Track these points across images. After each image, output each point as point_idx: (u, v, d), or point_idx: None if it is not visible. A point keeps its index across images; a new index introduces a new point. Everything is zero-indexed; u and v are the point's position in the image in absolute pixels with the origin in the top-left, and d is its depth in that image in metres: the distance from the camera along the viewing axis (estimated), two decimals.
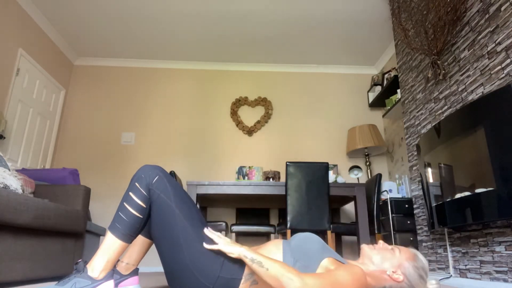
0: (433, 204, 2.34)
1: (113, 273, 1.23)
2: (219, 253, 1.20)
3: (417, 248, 3.01)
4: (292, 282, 1.01)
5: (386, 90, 3.98)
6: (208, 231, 1.21)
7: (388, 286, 1.21)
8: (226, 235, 3.65)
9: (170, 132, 4.34)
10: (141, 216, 1.22)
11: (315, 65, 4.65)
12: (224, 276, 1.16)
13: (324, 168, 2.94)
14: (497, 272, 1.91)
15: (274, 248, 1.25)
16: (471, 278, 2.12)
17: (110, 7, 3.60)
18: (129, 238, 1.21)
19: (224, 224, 3.27)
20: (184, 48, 4.32)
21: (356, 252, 3.88)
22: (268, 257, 1.12)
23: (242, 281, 1.17)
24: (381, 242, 1.29)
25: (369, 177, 4.12)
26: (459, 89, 2.31)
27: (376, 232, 2.98)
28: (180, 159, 4.24)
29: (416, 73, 2.90)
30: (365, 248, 1.27)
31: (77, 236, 2.38)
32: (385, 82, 4.08)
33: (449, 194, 2.17)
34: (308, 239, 1.24)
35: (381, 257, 1.22)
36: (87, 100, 4.42)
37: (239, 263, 1.20)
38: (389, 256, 1.22)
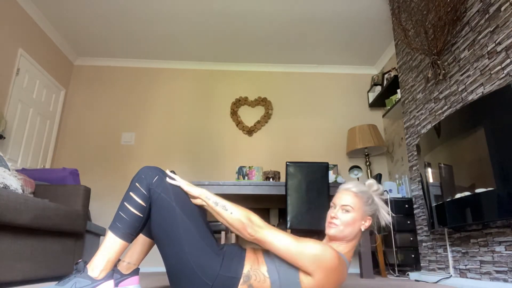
0: (433, 204, 2.34)
1: (114, 272, 1.23)
2: (218, 251, 1.20)
3: (417, 248, 3.01)
4: (252, 225, 1.13)
5: (386, 90, 3.98)
6: (168, 172, 1.28)
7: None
8: (226, 235, 3.65)
9: (170, 132, 4.34)
10: (142, 215, 1.22)
11: (315, 65, 4.65)
12: (223, 274, 1.16)
13: (324, 168, 2.94)
14: (497, 272, 1.91)
15: (255, 257, 1.26)
16: (471, 278, 2.13)
17: (110, 7, 3.60)
18: (129, 238, 1.21)
19: None
20: (184, 48, 4.32)
21: (355, 252, 3.88)
22: (228, 201, 1.20)
23: (241, 282, 1.17)
24: (331, 216, 1.30)
25: (369, 177, 4.12)
26: (459, 89, 2.31)
27: (376, 232, 2.98)
28: (180, 159, 4.24)
29: (416, 73, 2.90)
30: (331, 233, 1.28)
31: (77, 236, 2.38)
32: (385, 82, 4.08)
33: (449, 194, 2.17)
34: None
35: (348, 227, 1.27)
36: (87, 100, 4.42)
37: (238, 262, 1.20)
38: (351, 218, 1.27)
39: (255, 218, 1.17)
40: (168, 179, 1.25)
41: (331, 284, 1.15)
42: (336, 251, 1.17)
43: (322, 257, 1.11)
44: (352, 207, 1.28)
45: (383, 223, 1.32)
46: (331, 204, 1.34)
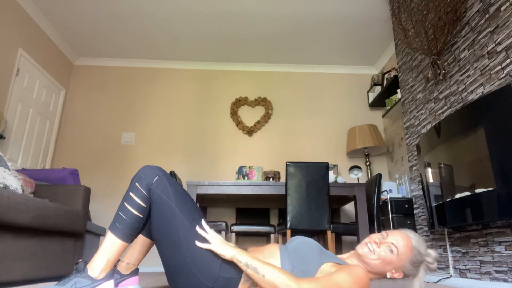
0: (433, 204, 2.34)
1: (113, 273, 1.23)
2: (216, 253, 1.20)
3: None
4: None
5: (386, 90, 3.98)
6: (202, 227, 1.19)
7: (388, 276, 1.22)
8: (226, 235, 3.65)
9: (170, 132, 4.34)
10: (142, 216, 1.22)
11: (315, 65, 4.65)
12: (223, 275, 1.16)
13: (324, 168, 2.94)
14: (497, 272, 1.91)
15: (271, 253, 1.24)
16: (471, 278, 2.12)
17: (110, 7, 3.60)
18: (129, 238, 1.21)
19: (224, 224, 3.27)
20: (185, 48, 4.32)
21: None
22: (263, 261, 1.09)
23: (241, 281, 1.17)
24: (375, 241, 1.22)
25: (369, 177, 4.12)
26: (459, 89, 2.31)
27: (376, 232, 2.99)
28: (180, 159, 4.24)
29: (416, 73, 2.90)
30: (361, 252, 1.21)
31: (77, 236, 2.38)
32: (385, 82, 4.08)
33: (449, 194, 2.17)
34: (305, 244, 1.23)
35: (380, 263, 1.19)
36: (87, 100, 4.42)
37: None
38: (388, 260, 1.18)
39: (288, 281, 1.03)
40: (198, 229, 1.18)
41: None
42: (365, 269, 1.14)
43: (360, 280, 1.08)
44: (398, 253, 1.18)
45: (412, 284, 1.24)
46: (384, 232, 1.26)
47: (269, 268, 1.06)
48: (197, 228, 1.19)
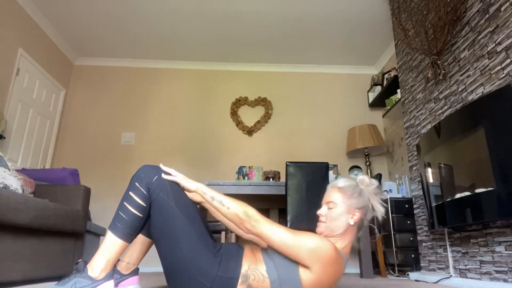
0: (433, 204, 2.34)
1: (113, 273, 1.23)
2: (216, 252, 1.20)
3: (417, 248, 3.01)
4: (250, 220, 1.14)
5: (386, 90, 3.98)
6: (163, 166, 1.27)
7: (359, 234, 1.33)
8: (226, 235, 3.65)
9: (170, 132, 4.34)
10: (141, 215, 1.22)
11: (315, 65, 4.65)
12: (222, 275, 1.16)
13: (324, 168, 2.94)
14: (497, 272, 1.91)
15: (258, 260, 1.25)
16: (471, 278, 2.13)
17: (110, 7, 3.60)
18: (129, 237, 1.21)
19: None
20: (184, 48, 4.32)
21: (354, 252, 3.88)
22: (224, 195, 1.20)
23: (239, 281, 1.17)
24: (318, 215, 1.32)
25: (369, 177, 4.11)
26: (459, 89, 2.31)
27: (376, 232, 2.99)
28: (180, 159, 4.24)
29: (416, 73, 2.90)
30: (321, 230, 1.29)
31: (77, 236, 2.38)
32: (385, 82, 4.08)
33: (449, 194, 2.17)
34: None
35: (334, 221, 1.27)
36: (87, 100, 4.42)
37: (235, 262, 1.20)
38: (336, 214, 1.27)
39: (253, 212, 1.17)
40: (163, 175, 1.25)
41: (330, 277, 1.15)
42: (333, 243, 1.18)
43: (320, 249, 1.12)
44: (335, 202, 1.29)
45: (378, 215, 1.30)
46: (322, 203, 1.37)
47: (233, 201, 1.18)
48: (161, 165, 1.27)
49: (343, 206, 1.28)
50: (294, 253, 1.13)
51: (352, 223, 1.28)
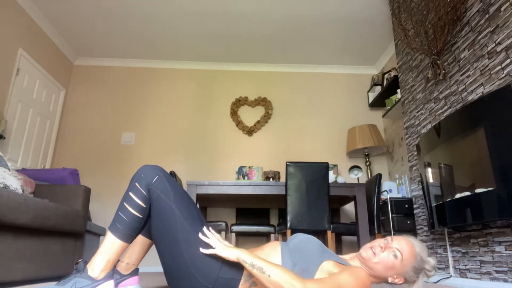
0: (433, 204, 2.34)
1: (113, 273, 1.23)
2: (218, 255, 1.19)
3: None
4: None
5: (386, 90, 3.98)
6: (205, 233, 1.19)
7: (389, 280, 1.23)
8: (226, 235, 3.65)
9: (170, 132, 4.34)
10: (141, 216, 1.22)
11: (315, 65, 4.65)
12: (223, 276, 1.16)
13: (324, 168, 2.94)
14: (497, 272, 1.91)
15: (272, 251, 1.24)
16: (471, 278, 2.12)
17: (110, 7, 3.60)
18: (129, 238, 1.21)
19: (224, 224, 3.27)
20: (184, 48, 4.32)
21: (354, 251, 3.88)
22: (268, 261, 1.09)
23: (242, 281, 1.16)
24: (379, 245, 1.21)
25: (369, 177, 4.12)
26: (459, 89, 2.31)
27: (376, 232, 2.99)
28: (180, 159, 4.24)
29: (416, 73, 2.90)
30: (364, 255, 1.21)
31: (77, 236, 2.38)
32: (385, 82, 4.08)
33: (449, 194, 2.17)
34: (306, 241, 1.23)
35: (382, 267, 1.19)
36: (87, 100, 4.42)
37: (238, 264, 1.20)
38: (391, 265, 1.18)
39: (293, 281, 1.03)
40: (201, 236, 1.19)
41: None
42: (367, 274, 1.16)
43: (362, 282, 1.10)
44: (402, 259, 1.18)
45: None
46: (388, 237, 1.26)
47: (275, 268, 1.05)
48: (200, 235, 1.19)
49: (401, 268, 1.19)
50: None
51: (390, 281, 1.21)
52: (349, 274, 1.09)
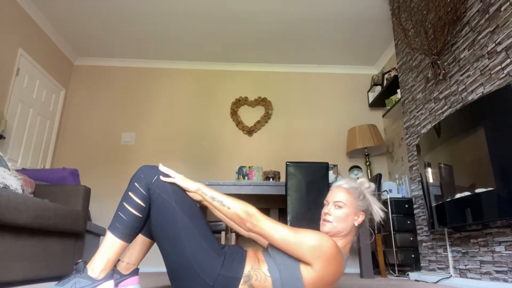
0: (433, 204, 2.34)
1: (113, 273, 1.23)
2: (219, 251, 1.20)
3: (417, 248, 3.01)
4: (251, 219, 1.14)
5: (386, 90, 3.98)
6: (162, 167, 1.26)
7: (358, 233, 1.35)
8: (226, 235, 3.64)
9: (170, 132, 4.34)
10: (141, 216, 1.22)
11: (315, 65, 4.65)
12: (224, 274, 1.16)
13: (324, 168, 2.94)
14: (497, 272, 1.91)
15: (256, 257, 1.26)
16: (471, 278, 2.13)
17: (111, 7, 3.60)
18: (129, 238, 1.21)
19: (224, 224, 3.27)
20: (184, 48, 4.32)
21: (354, 251, 3.88)
22: (227, 195, 1.20)
23: (241, 282, 1.17)
24: (324, 213, 1.32)
25: (369, 177, 4.12)
26: (459, 89, 2.31)
27: (376, 232, 2.99)
28: (180, 159, 4.24)
29: (416, 73, 2.90)
30: (326, 229, 1.29)
31: (77, 236, 2.38)
32: (385, 82, 4.08)
33: (449, 194, 2.17)
34: None
35: (342, 222, 1.28)
36: (87, 100, 4.42)
37: (238, 262, 1.20)
38: (343, 215, 1.28)
39: (253, 211, 1.17)
40: (162, 177, 1.24)
41: (331, 275, 1.16)
42: (334, 241, 1.20)
43: (321, 246, 1.13)
44: (344, 203, 1.30)
45: (377, 219, 1.33)
46: (325, 202, 1.37)
47: (234, 201, 1.17)
48: (160, 167, 1.26)
49: (351, 208, 1.30)
50: (295, 251, 1.13)
51: (356, 224, 1.30)
52: (312, 232, 1.16)
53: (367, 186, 1.36)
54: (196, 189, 1.21)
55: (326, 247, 1.13)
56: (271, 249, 1.26)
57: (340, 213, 1.29)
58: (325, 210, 1.33)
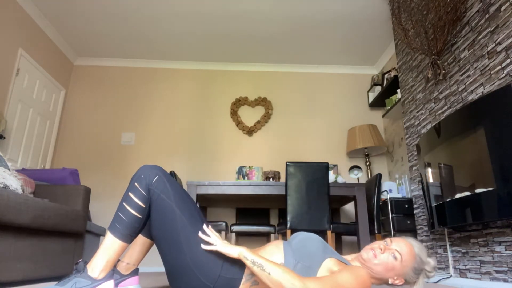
0: (433, 204, 2.34)
1: (113, 273, 1.23)
2: (219, 253, 1.19)
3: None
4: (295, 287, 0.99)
5: (386, 90, 3.98)
6: (205, 232, 1.19)
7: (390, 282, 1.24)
8: (226, 235, 3.65)
9: (170, 132, 4.34)
10: (141, 216, 1.22)
11: (315, 65, 4.65)
12: (224, 275, 1.16)
13: (324, 168, 2.94)
14: (497, 272, 1.91)
15: (275, 249, 1.24)
16: (471, 278, 2.12)
17: (110, 7, 3.60)
18: (128, 238, 1.21)
19: (224, 224, 3.27)
20: (184, 48, 4.32)
21: (354, 251, 3.88)
22: (269, 260, 1.09)
23: (243, 281, 1.17)
24: (379, 247, 1.22)
25: (369, 177, 4.12)
26: (459, 89, 2.31)
27: (376, 232, 2.98)
28: (180, 159, 4.24)
29: (416, 73, 2.90)
30: (365, 257, 1.22)
31: (77, 236, 2.38)
32: (385, 82, 4.08)
33: (449, 194, 2.17)
34: (309, 239, 1.24)
35: (383, 269, 1.19)
36: (87, 100, 4.42)
37: (240, 263, 1.20)
38: (391, 266, 1.19)
39: (296, 281, 1.02)
40: (201, 235, 1.18)
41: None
42: (367, 272, 1.17)
43: (364, 282, 1.11)
44: (401, 260, 1.19)
45: None
46: (388, 239, 1.26)
47: (275, 267, 1.05)
48: (200, 234, 1.19)
49: (401, 268, 1.20)
50: None
51: (390, 282, 1.22)
52: (349, 273, 1.10)
53: (429, 270, 1.25)
54: (238, 254, 1.12)
55: (363, 277, 1.12)
56: (297, 246, 1.22)
57: (390, 261, 1.19)
58: (381, 245, 1.23)
